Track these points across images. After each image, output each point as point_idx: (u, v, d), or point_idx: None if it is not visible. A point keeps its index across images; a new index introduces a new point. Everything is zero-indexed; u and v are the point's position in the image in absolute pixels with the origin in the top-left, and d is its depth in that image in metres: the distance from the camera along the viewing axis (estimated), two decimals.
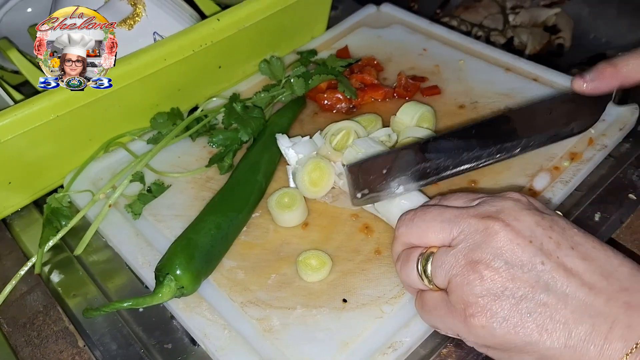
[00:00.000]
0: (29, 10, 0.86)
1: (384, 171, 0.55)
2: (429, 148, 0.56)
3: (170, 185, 0.69)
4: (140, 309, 0.60)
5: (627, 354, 0.37)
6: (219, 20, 0.71)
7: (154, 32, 0.72)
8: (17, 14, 0.83)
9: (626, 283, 0.39)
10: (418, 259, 0.46)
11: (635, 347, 0.37)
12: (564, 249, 0.41)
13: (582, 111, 0.59)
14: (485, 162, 0.55)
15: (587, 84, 0.55)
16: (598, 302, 0.39)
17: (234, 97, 0.73)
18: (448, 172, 0.55)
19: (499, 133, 0.57)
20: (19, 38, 0.81)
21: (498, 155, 0.56)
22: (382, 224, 0.61)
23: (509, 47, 0.95)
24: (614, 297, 0.39)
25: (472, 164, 0.55)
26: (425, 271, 0.46)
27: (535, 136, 0.57)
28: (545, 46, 0.99)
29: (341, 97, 0.75)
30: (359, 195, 0.55)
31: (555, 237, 0.42)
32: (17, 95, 0.75)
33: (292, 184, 0.66)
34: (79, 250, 0.65)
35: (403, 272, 0.48)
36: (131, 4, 0.70)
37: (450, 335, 0.48)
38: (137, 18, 0.71)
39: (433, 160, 0.55)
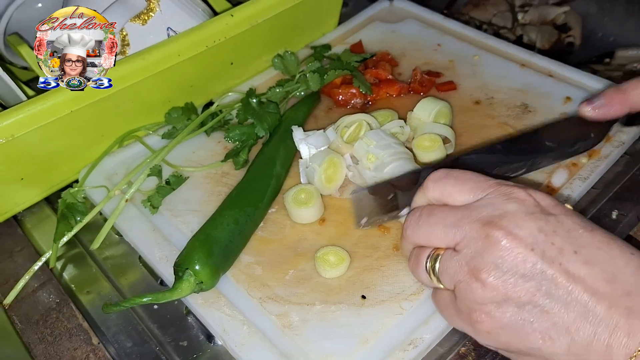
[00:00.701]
0: (39, 5, 0.86)
1: (390, 197, 0.54)
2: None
3: (189, 177, 0.68)
4: (155, 306, 0.59)
5: None
6: (232, 16, 0.71)
7: (168, 28, 0.71)
8: (28, 9, 0.83)
9: (629, 286, 0.39)
10: (427, 260, 0.46)
11: (636, 355, 0.37)
12: (567, 254, 0.40)
13: (588, 131, 0.58)
14: None
15: (595, 111, 0.54)
16: (600, 309, 0.38)
17: (250, 92, 0.73)
18: None
19: (506, 155, 0.56)
20: (29, 34, 0.81)
21: (505, 175, 0.56)
22: (399, 222, 0.61)
23: (518, 45, 0.95)
24: (616, 302, 0.38)
25: None
26: (434, 271, 0.45)
27: (542, 156, 0.57)
28: (554, 44, 0.99)
29: (356, 93, 0.75)
30: (363, 221, 0.55)
31: (558, 242, 0.40)
32: (28, 92, 0.74)
33: (302, 179, 0.66)
34: (95, 245, 0.64)
35: (415, 272, 0.48)
36: None
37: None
38: (151, 13, 0.70)
39: None
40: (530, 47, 0.98)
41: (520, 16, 1.05)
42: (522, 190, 0.43)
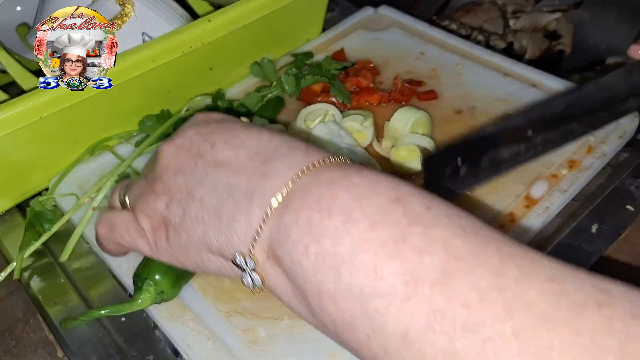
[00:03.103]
0: (18, 8, 0.85)
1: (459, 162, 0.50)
2: (499, 132, 0.51)
3: None
4: (122, 319, 0.58)
5: (263, 220, 0.37)
6: (209, 21, 0.70)
7: (143, 33, 0.70)
8: (6, 12, 0.82)
9: (267, 155, 0.40)
10: (119, 197, 0.50)
11: (269, 214, 0.37)
12: (218, 146, 0.43)
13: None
14: (554, 146, 0.52)
15: None
16: (240, 182, 0.40)
17: (218, 95, 0.72)
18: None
19: (561, 115, 0.52)
20: (6, 37, 0.80)
21: (563, 139, 0.52)
22: None
23: (509, 51, 0.94)
24: (254, 172, 0.40)
25: (545, 147, 0.51)
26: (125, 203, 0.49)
27: (600, 114, 0.53)
28: (545, 51, 0.98)
29: (335, 101, 0.73)
30: None
31: (212, 138, 0.43)
32: (3, 96, 0.73)
33: None
34: (64, 257, 0.62)
35: (112, 235, 0.50)
36: (119, 4, 0.69)
37: None
38: (125, 18, 0.69)
39: (504, 146, 0.51)
40: (521, 54, 0.97)
41: (511, 22, 1.04)
42: (203, 115, 0.48)
